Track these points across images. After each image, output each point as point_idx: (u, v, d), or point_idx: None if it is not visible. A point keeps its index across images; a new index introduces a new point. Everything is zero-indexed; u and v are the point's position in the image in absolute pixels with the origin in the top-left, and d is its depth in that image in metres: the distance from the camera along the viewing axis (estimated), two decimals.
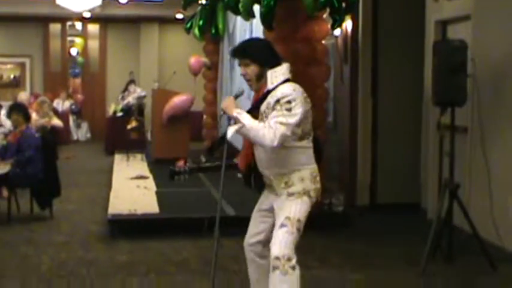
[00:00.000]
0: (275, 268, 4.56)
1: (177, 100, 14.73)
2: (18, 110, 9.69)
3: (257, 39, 5.32)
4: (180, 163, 14.51)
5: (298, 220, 4.62)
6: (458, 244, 7.23)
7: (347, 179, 9.78)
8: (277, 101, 4.52)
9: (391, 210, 9.97)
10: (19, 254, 7.64)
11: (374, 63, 10.27)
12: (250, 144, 4.85)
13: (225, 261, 6.97)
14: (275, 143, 4.44)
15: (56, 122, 14.48)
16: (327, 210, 8.94)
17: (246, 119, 4.53)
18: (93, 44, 23.29)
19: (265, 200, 4.96)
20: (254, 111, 4.70)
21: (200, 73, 16.41)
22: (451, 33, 8.99)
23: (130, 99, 18.56)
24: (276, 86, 4.62)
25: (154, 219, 8.79)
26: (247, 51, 4.76)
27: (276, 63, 4.73)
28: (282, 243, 4.56)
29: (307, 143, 4.73)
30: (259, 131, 4.48)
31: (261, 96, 4.71)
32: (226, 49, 15.54)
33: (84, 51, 23.09)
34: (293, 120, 4.48)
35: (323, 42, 9.24)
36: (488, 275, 6.83)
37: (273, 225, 4.79)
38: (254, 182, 4.94)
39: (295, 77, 4.80)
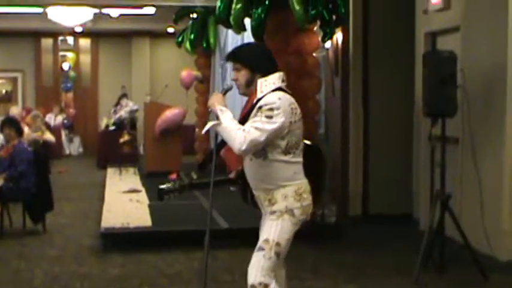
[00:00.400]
0: None
1: (169, 113, 14.78)
2: (10, 125, 9.68)
3: (254, 45, 5.17)
4: (173, 176, 14.61)
5: (278, 244, 4.37)
6: (450, 254, 7.25)
7: (339, 190, 9.81)
8: (260, 108, 4.30)
9: (383, 221, 9.99)
10: (12, 269, 7.63)
11: (365, 75, 10.33)
12: None
13: (217, 273, 6.98)
14: (243, 147, 4.22)
15: (49, 136, 14.46)
16: (320, 221, 8.96)
17: (226, 117, 4.34)
18: (85, 58, 23.33)
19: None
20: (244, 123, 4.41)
21: (192, 86, 16.45)
22: (441, 44, 9.05)
23: (123, 113, 18.57)
24: (265, 95, 4.40)
25: (147, 232, 8.80)
26: (240, 55, 4.58)
27: (268, 71, 4.50)
28: (259, 269, 4.35)
29: (294, 158, 4.42)
30: (232, 132, 4.28)
31: (250, 107, 4.49)
32: (217, 62, 15.57)
33: (76, 65, 23.12)
34: (270, 127, 4.23)
35: (314, 54, 9.29)
36: (479, 284, 6.85)
37: None
38: (250, 198, 4.67)
39: (288, 89, 4.65)
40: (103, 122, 19.47)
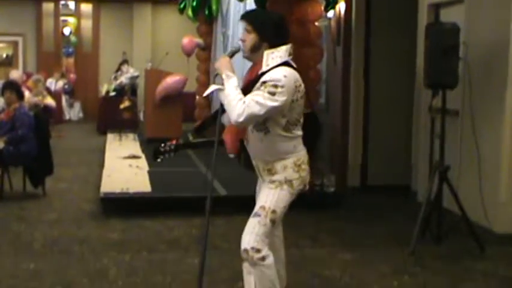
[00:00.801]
0: (244, 260, 4.45)
1: (170, 80, 14.77)
2: (11, 88, 9.68)
3: (271, 12, 5.06)
4: (173, 143, 14.61)
5: (273, 211, 4.43)
6: (447, 226, 7.29)
7: (338, 161, 9.81)
8: (264, 82, 4.28)
9: (382, 192, 10.05)
10: (11, 231, 7.68)
11: (367, 46, 10.33)
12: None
13: (215, 240, 7.03)
14: (240, 119, 4.22)
15: (49, 101, 14.50)
16: (319, 191, 9.01)
17: (230, 84, 4.31)
18: (86, 24, 23.28)
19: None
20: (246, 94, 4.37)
21: (193, 54, 16.41)
22: (444, 16, 9.02)
23: (123, 79, 18.55)
24: (270, 69, 4.36)
25: (147, 198, 8.83)
26: (253, 18, 4.53)
27: (277, 42, 4.44)
28: (253, 234, 4.40)
29: (294, 133, 4.47)
30: (233, 101, 4.25)
31: (254, 79, 4.44)
32: (219, 30, 15.53)
33: (77, 30, 23.09)
34: (272, 104, 4.22)
35: (316, 24, 9.27)
36: (476, 256, 6.90)
37: None
38: (244, 160, 4.74)
39: (293, 62, 4.63)
40: (103, 88, 19.47)
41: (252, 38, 4.45)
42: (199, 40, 16.25)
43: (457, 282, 6.08)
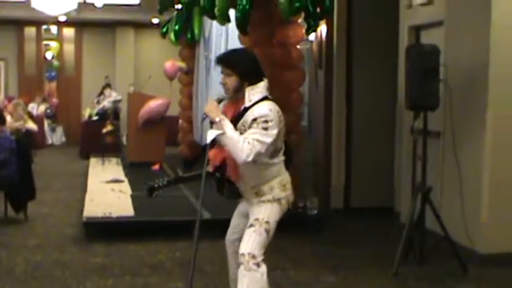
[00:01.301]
0: (240, 264, 4.66)
1: (153, 104, 14.78)
2: None
3: (244, 51, 5.31)
4: (156, 167, 14.61)
5: (267, 222, 4.73)
6: (430, 247, 7.32)
7: (321, 183, 9.85)
8: (255, 119, 4.57)
9: (365, 214, 10.07)
10: None
11: (348, 68, 10.38)
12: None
13: (199, 263, 6.99)
14: (249, 158, 4.50)
15: (31, 125, 14.43)
16: (302, 213, 9.01)
17: (228, 127, 4.56)
18: (69, 48, 23.28)
19: (243, 203, 5.08)
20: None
21: (176, 77, 16.42)
22: (425, 38, 9.08)
23: (106, 103, 18.55)
24: (253, 104, 4.65)
25: (130, 222, 8.80)
26: (231, 61, 4.77)
27: (256, 79, 4.74)
28: (250, 241, 4.66)
29: (278, 158, 4.81)
30: (239, 143, 4.51)
31: (238, 113, 4.72)
32: (201, 54, 15.55)
33: (60, 55, 23.08)
34: (269, 140, 4.55)
35: (298, 47, 9.32)
36: (459, 277, 6.92)
37: None
38: (227, 191, 5.03)
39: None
40: (86, 112, 19.43)
41: (233, 80, 4.71)
42: (181, 64, 16.25)
43: None
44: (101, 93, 19.44)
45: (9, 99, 18.48)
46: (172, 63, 16.05)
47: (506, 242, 7.56)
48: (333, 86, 10.15)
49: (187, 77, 16.43)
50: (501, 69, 7.44)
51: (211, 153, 4.87)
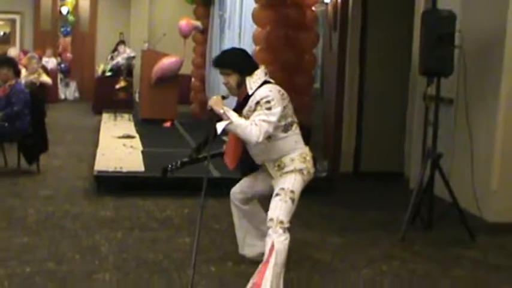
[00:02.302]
0: (269, 228, 4.96)
1: (166, 61, 14.78)
2: (8, 64, 9.68)
3: (235, 50, 5.65)
4: (167, 124, 14.66)
5: (292, 191, 5.07)
6: (438, 213, 7.34)
7: (331, 146, 9.86)
8: (257, 102, 5.00)
9: (375, 179, 10.09)
10: (6, 207, 7.73)
11: (363, 32, 10.33)
12: (237, 139, 5.24)
13: (207, 220, 7.06)
14: (260, 139, 4.90)
15: (45, 78, 14.45)
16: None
17: (234, 116, 4.94)
18: (84, 4, 23.18)
19: (263, 172, 5.46)
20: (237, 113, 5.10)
21: (190, 36, 16.41)
22: (441, 3, 9.01)
23: (120, 59, 18.54)
24: (255, 91, 5.09)
25: (140, 177, 8.86)
26: (228, 62, 5.23)
27: (253, 69, 5.20)
28: (277, 208, 5.00)
29: (292, 132, 5.21)
30: (247, 127, 4.90)
31: (242, 101, 5.20)
32: (216, 13, 15.53)
33: (75, 10, 22.98)
34: (274, 118, 4.95)
35: (313, 8, 9.28)
36: (466, 244, 6.95)
37: (261, 194, 5.64)
38: (241, 167, 5.52)
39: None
40: (100, 68, 19.42)
41: (233, 78, 5.19)
42: (197, 23, 16.23)
43: (446, 269, 6.13)
44: (115, 49, 19.42)
45: (25, 52, 18.48)
46: (187, 21, 16.02)
47: None
48: (347, 49, 10.11)
49: (202, 35, 16.42)
50: None
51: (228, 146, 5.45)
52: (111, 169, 8.91)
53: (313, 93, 9.40)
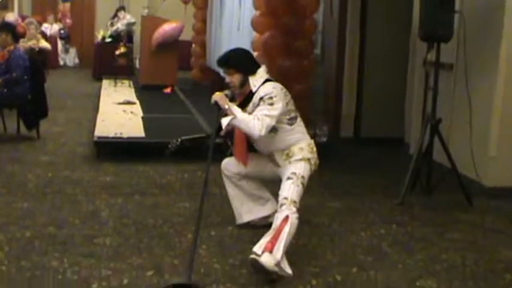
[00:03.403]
0: (282, 205, 5.07)
1: (167, 27, 14.74)
2: (7, 30, 9.65)
3: (238, 50, 5.75)
4: (167, 90, 14.65)
5: (302, 177, 5.26)
6: (437, 178, 7.37)
7: (332, 111, 9.86)
8: (261, 98, 5.21)
9: (375, 144, 10.12)
10: (5, 172, 7.75)
11: None
12: (242, 136, 5.47)
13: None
14: (262, 132, 5.11)
15: (44, 44, 14.44)
16: None
17: (238, 111, 5.16)
18: None
19: (265, 159, 5.62)
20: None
21: (190, 1, 16.33)
22: None
23: (120, 25, 18.45)
24: (258, 88, 5.30)
25: (140, 142, 8.88)
26: (231, 62, 5.42)
27: (255, 68, 5.41)
28: (290, 190, 5.15)
29: (297, 125, 5.46)
30: (250, 122, 5.11)
31: (246, 97, 5.39)
32: None
33: None
34: (275, 112, 5.16)
35: None
36: (464, 208, 6.99)
37: (261, 178, 5.80)
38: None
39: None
40: (99, 34, 19.35)
41: (237, 77, 5.38)
42: None
43: (443, 232, 6.17)
44: (115, 15, 19.32)
45: (23, 17, 18.41)
46: None
47: None
48: (348, 14, 10.07)
49: (202, 1, 16.34)
50: None
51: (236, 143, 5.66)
52: (111, 135, 8.92)
53: (313, 59, 9.37)
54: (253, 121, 5.12)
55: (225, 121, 5.16)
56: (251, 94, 5.35)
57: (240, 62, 5.44)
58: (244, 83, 5.38)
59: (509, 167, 7.65)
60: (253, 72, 5.40)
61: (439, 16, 6.99)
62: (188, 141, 6.27)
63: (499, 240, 6.04)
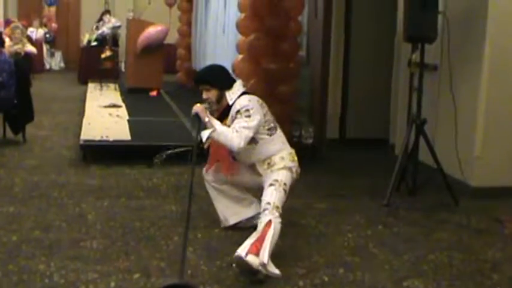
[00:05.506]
0: (265, 209, 5.13)
1: (152, 31, 14.74)
2: None
3: (213, 66, 5.94)
4: (153, 93, 14.64)
5: (285, 184, 5.33)
6: (422, 178, 7.40)
7: (317, 113, 9.87)
8: (238, 111, 5.31)
9: (360, 145, 10.15)
10: None
11: None
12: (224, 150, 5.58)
13: (194, 188, 7.03)
14: (241, 145, 5.23)
15: (30, 48, 14.38)
16: (296, 142, 9.04)
17: (217, 123, 5.26)
18: None
19: (246, 169, 5.69)
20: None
21: (175, 4, 16.34)
22: None
23: (105, 29, 18.46)
24: (234, 101, 5.40)
25: (126, 146, 8.88)
26: (207, 79, 5.52)
27: (231, 83, 5.52)
28: (273, 195, 5.21)
29: (277, 135, 5.53)
30: (228, 135, 5.23)
31: (223, 111, 5.48)
32: None
33: None
34: (253, 123, 5.26)
35: None
36: (450, 208, 7.03)
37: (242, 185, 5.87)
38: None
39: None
40: (85, 38, 19.34)
41: (213, 93, 5.47)
42: None
43: (429, 233, 6.19)
44: (100, 19, 19.33)
45: (8, 22, 18.35)
46: None
47: (497, 176, 7.66)
48: (332, 16, 10.09)
49: (187, 4, 16.35)
50: (500, 1, 7.42)
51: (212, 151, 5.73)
52: (97, 138, 8.92)
53: (298, 61, 9.40)
54: (231, 134, 5.22)
55: (205, 134, 5.24)
56: (228, 108, 5.44)
57: (215, 77, 5.52)
58: (221, 98, 5.47)
59: (495, 167, 7.67)
60: (229, 86, 5.49)
61: (423, 17, 7.03)
62: (173, 154, 6.65)
63: (486, 240, 6.07)
